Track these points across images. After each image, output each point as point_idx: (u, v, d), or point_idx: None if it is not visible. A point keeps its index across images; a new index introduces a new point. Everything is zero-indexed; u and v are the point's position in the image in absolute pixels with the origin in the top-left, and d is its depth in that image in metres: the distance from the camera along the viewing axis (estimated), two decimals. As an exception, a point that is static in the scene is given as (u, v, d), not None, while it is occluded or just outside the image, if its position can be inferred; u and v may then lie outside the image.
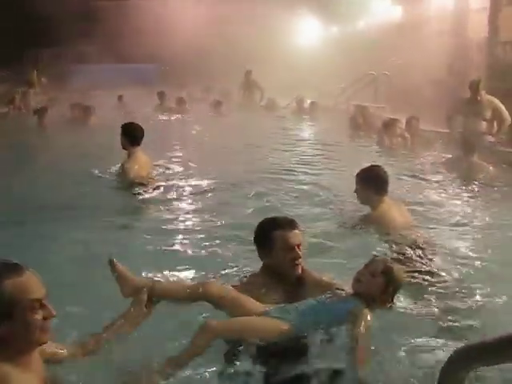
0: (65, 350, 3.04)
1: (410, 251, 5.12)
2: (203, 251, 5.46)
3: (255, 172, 8.95)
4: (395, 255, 5.00)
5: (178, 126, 15.40)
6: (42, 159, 9.68)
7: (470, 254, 5.39)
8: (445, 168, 9.09)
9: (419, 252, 5.14)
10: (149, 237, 5.81)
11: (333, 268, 4.55)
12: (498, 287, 4.52)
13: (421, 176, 8.89)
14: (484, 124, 10.58)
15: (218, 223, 6.31)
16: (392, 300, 3.57)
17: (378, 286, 3.47)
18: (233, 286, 3.80)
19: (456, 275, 4.84)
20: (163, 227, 6.21)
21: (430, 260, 5.07)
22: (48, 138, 11.81)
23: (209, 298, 3.49)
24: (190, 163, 9.56)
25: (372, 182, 5.59)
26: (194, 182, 8.24)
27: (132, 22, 21.18)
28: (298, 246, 3.78)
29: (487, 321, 4.01)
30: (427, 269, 4.87)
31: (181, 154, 10.35)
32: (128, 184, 7.31)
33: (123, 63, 24.32)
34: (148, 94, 18.78)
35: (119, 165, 7.59)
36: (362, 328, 3.34)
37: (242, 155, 10.50)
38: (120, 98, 18.23)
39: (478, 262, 5.13)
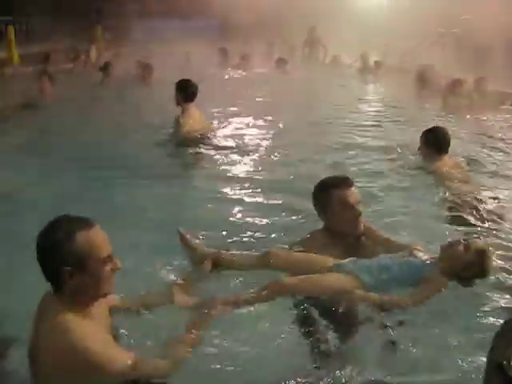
0: (124, 301, 3.21)
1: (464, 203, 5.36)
2: (256, 211, 5.42)
3: (316, 129, 8.92)
4: (449, 204, 5.35)
5: (241, 83, 15.26)
6: (105, 114, 9.81)
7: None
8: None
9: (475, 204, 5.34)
10: (201, 193, 5.91)
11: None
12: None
13: (488, 136, 8.65)
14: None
15: (274, 183, 6.26)
16: (469, 281, 3.51)
17: (466, 261, 3.45)
18: (295, 245, 3.90)
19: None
20: (216, 184, 6.22)
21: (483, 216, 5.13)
22: (112, 94, 11.90)
23: (276, 265, 3.55)
24: (250, 121, 9.53)
25: (434, 142, 6.09)
26: (253, 141, 8.23)
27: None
28: (357, 203, 3.81)
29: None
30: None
31: (241, 112, 10.23)
32: (182, 138, 7.40)
33: (186, 19, 24.25)
34: (212, 50, 18.67)
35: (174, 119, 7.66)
36: (431, 293, 3.37)
37: (305, 114, 10.34)
38: (186, 55, 17.99)
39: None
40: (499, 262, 4.10)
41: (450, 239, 3.75)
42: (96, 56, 17.91)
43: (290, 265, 3.56)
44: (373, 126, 9.67)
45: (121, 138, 7.95)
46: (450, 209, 5.34)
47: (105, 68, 13.70)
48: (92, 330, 2.63)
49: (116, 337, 2.93)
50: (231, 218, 5.22)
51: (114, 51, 18.41)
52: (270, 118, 9.68)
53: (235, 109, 10.43)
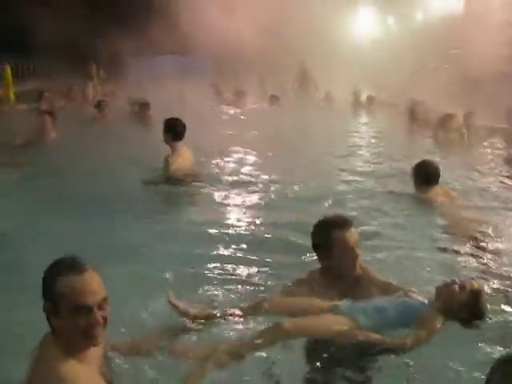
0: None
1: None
2: (245, 250, 5.47)
3: (310, 167, 8.99)
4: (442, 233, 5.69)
5: (235, 119, 15.40)
6: (99, 152, 9.84)
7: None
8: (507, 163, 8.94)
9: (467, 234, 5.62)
10: (189, 230, 5.96)
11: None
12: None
13: (478, 169, 8.83)
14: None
15: (263, 220, 6.32)
16: (468, 322, 3.56)
17: (461, 301, 3.51)
18: (292, 285, 3.94)
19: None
20: (204, 222, 6.25)
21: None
22: (107, 131, 12.04)
23: (271, 312, 3.56)
24: (244, 157, 9.72)
25: (424, 175, 6.45)
26: (245, 178, 8.36)
27: (187, 15, 21.30)
28: (356, 244, 3.81)
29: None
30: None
31: (235, 148, 10.40)
32: (171, 176, 7.46)
33: (178, 55, 24.52)
34: (204, 87, 18.84)
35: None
36: (429, 333, 3.40)
37: (297, 150, 10.47)
38: (180, 92, 18.12)
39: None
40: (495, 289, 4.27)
41: (444, 280, 3.77)
42: (92, 94, 18.10)
43: (286, 311, 3.55)
44: (366, 160, 9.87)
45: (112, 176, 8.05)
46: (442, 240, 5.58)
47: (98, 105, 13.87)
48: (85, 377, 2.60)
49: (111, 380, 2.89)
50: (222, 254, 5.30)
51: (109, 89, 18.60)
52: (264, 153, 9.81)
53: (229, 145, 10.56)
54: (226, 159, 9.60)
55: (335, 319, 3.43)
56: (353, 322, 3.42)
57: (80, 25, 21.07)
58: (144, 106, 13.53)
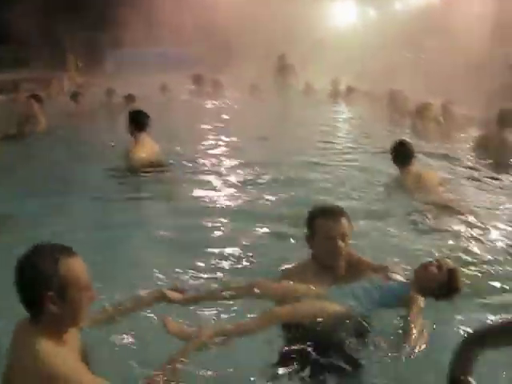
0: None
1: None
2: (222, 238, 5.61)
3: (284, 156, 9.10)
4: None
5: (214, 110, 15.38)
6: (71, 144, 10.09)
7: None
8: (476, 145, 9.12)
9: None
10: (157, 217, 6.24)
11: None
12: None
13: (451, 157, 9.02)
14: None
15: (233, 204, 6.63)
16: (442, 299, 3.64)
17: (439, 280, 3.57)
18: (283, 273, 3.96)
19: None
20: (167, 208, 6.54)
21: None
22: (81, 122, 12.05)
23: (261, 296, 3.58)
24: (218, 145, 10.02)
25: (398, 154, 6.77)
26: (215, 167, 8.66)
27: (166, 6, 21.14)
28: (341, 236, 3.75)
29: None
30: None
31: (210, 138, 10.62)
32: (133, 166, 7.74)
33: (157, 47, 24.36)
34: (184, 78, 18.77)
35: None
36: (416, 313, 3.48)
37: (274, 141, 10.52)
38: (163, 86, 17.96)
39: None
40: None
41: (422, 261, 3.82)
42: (68, 84, 17.93)
43: (276, 295, 3.57)
44: (345, 150, 9.99)
45: (80, 165, 8.36)
46: (415, 221, 5.90)
47: (74, 96, 13.80)
48: (65, 355, 2.64)
49: (88, 361, 2.93)
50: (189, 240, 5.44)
51: (86, 80, 18.45)
52: (238, 142, 10.13)
53: (203, 135, 10.80)
54: (199, 148, 9.84)
55: (326, 304, 3.42)
56: (343, 306, 3.44)
57: (58, 14, 20.86)
58: (129, 98, 13.48)
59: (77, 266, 2.70)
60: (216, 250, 5.15)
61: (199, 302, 3.63)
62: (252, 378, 3.22)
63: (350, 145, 10.64)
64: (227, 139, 10.72)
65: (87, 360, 2.92)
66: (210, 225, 5.94)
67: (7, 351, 2.72)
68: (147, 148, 7.88)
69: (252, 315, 3.48)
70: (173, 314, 3.52)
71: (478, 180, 7.77)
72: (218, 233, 5.73)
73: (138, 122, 7.82)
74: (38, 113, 10.83)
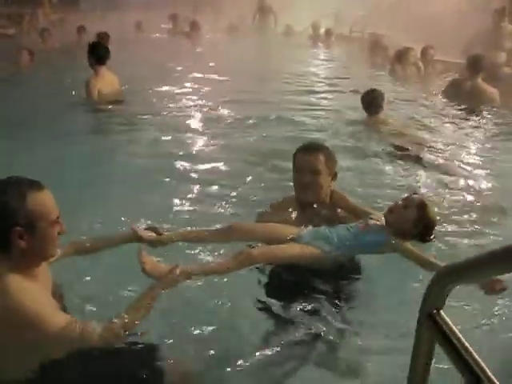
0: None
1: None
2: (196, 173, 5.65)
3: (260, 95, 9.09)
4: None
5: (189, 49, 15.13)
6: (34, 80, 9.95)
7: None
8: (448, 90, 9.09)
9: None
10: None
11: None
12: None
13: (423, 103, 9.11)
14: (504, 55, 10.33)
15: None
16: (425, 237, 3.49)
17: (409, 218, 3.42)
18: (261, 212, 3.90)
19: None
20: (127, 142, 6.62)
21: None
22: (49, 59, 11.86)
23: (238, 238, 3.48)
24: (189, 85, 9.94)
25: (365, 104, 6.99)
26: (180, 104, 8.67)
27: None
28: (312, 170, 3.67)
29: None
30: None
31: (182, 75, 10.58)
32: (92, 99, 7.78)
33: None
34: (161, 17, 18.39)
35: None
36: (402, 248, 3.39)
37: (252, 78, 10.46)
38: (137, 24, 17.66)
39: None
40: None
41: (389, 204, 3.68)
42: (41, 21, 17.49)
43: (253, 237, 3.49)
44: (323, 94, 9.85)
45: (42, 101, 8.31)
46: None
47: (42, 33, 13.56)
48: (34, 291, 2.59)
49: (60, 298, 2.89)
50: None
51: (60, 17, 18.00)
52: (210, 80, 10.13)
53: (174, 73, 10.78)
54: (170, 88, 9.73)
55: (301, 247, 3.37)
56: (318, 250, 3.38)
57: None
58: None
59: (45, 200, 2.62)
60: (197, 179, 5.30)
61: (174, 242, 3.45)
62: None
63: (328, 85, 10.64)
64: (199, 76, 10.75)
65: (59, 297, 2.87)
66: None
67: None
68: (106, 81, 7.94)
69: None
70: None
71: (450, 122, 7.94)
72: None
73: (98, 54, 7.80)
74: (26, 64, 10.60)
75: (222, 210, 4.80)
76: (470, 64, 8.50)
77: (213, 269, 3.23)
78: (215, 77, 10.66)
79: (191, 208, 4.79)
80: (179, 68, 11.78)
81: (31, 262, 2.65)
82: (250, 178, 5.48)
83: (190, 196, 5.05)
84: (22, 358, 2.60)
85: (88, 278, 3.56)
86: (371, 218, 3.58)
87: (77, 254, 3.20)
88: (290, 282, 3.47)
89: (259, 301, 3.45)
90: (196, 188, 5.27)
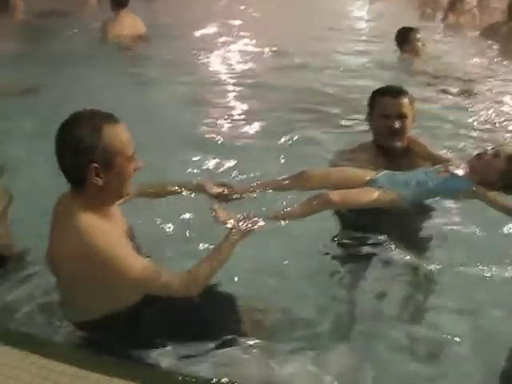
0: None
1: None
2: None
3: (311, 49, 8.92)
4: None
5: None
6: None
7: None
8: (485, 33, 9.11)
9: None
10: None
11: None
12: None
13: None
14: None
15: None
16: (510, 190, 3.36)
17: (497, 168, 3.33)
18: (334, 159, 3.82)
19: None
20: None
21: None
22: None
23: (311, 186, 3.40)
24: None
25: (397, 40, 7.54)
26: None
27: None
28: (398, 115, 3.61)
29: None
30: None
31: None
32: (108, 43, 7.85)
33: None
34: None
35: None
36: (486, 195, 3.31)
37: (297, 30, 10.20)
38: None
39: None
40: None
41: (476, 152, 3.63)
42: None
43: (327, 182, 3.41)
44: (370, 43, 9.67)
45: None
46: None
47: None
48: (110, 231, 2.50)
49: (134, 240, 2.75)
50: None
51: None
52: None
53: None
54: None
55: (379, 192, 3.29)
56: (395, 193, 3.32)
57: None
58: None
59: (122, 134, 2.48)
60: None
61: (241, 197, 3.33)
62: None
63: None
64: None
65: (133, 239, 2.73)
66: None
67: (50, 225, 2.57)
68: (126, 25, 7.96)
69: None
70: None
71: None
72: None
73: None
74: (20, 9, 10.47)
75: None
76: (509, 8, 8.42)
77: (288, 213, 3.18)
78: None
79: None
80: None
81: (106, 201, 2.55)
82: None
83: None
84: (98, 299, 2.52)
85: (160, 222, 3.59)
86: (450, 165, 3.48)
87: (139, 196, 3.07)
88: (361, 226, 3.45)
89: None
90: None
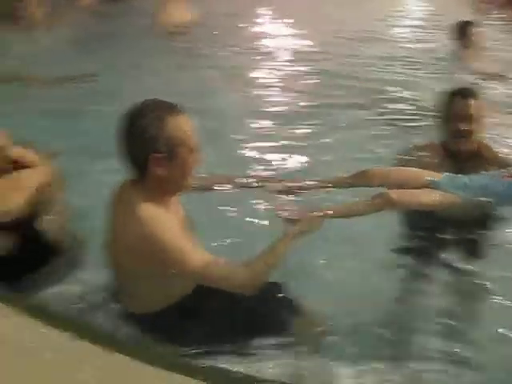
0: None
1: None
2: None
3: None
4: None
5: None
6: None
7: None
8: None
9: None
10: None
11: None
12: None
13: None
14: None
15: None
16: None
17: None
18: (401, 158, 3.77)
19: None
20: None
21: None
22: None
23: (373, 181, 3.35)
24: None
25: (456, 34, 7.52)
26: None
27: None
28: (465, 117, 3.54)
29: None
30: None
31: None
32: (159, 28, 7.97)
33: None
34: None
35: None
36: None
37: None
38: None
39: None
40: None
41: None
42: None
43: (387, 182, 3.31)
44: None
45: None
46: None
47: None
48: (172, 223, 2.49)
49: (193, 232, 2.72)
50: None
51: None
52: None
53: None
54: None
55: (442, 195, 3.18)
56: (458, 198, 3.19)
57: None
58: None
59: (185, 125, 2.48)
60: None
61: (302, 193, 3.31)
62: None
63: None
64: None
65: (192, 231, 2.70)
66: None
67: (108, 214, 2.60)
68: (174, 13, 8.05)
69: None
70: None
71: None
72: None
73: None
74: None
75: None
76: None
77: (349, 210, 3.12)
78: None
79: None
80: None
81: (166, 192, 2.55)
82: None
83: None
84: (158, 291, 2.55)
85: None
86: None
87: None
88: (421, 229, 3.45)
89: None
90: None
